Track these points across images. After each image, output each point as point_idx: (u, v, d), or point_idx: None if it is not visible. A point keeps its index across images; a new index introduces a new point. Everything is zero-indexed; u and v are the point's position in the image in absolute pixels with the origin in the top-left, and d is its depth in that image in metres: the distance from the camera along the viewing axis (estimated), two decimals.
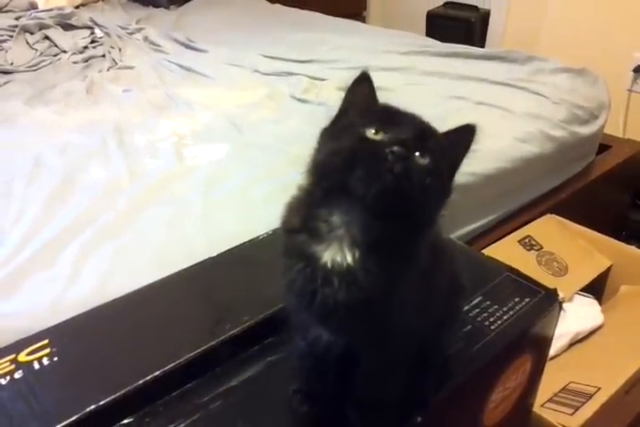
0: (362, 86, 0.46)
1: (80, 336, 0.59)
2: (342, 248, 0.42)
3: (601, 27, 2.21)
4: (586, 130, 1.48)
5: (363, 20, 3.10)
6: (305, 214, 0.44)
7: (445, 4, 2.86)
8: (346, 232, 0.42)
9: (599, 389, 0.91)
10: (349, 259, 0.41)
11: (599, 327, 1.13)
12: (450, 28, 2.66)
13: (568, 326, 1.10)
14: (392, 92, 1.37)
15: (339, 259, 0.41)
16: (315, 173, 0.43)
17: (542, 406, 0.90)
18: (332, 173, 0.41)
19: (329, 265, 0.42)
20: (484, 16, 2.69)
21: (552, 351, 1.06)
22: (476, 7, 2.72)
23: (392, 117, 0.43)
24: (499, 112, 1.40)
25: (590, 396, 0.90)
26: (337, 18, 2.27)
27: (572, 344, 1.10)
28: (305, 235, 0.43)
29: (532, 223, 1.31)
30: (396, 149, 0.40)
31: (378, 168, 0.39)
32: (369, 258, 0.42)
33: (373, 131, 0.42)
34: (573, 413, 0.87)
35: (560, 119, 1.41)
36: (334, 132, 0.44)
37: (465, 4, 2.74)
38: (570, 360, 1.04)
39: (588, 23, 2.25)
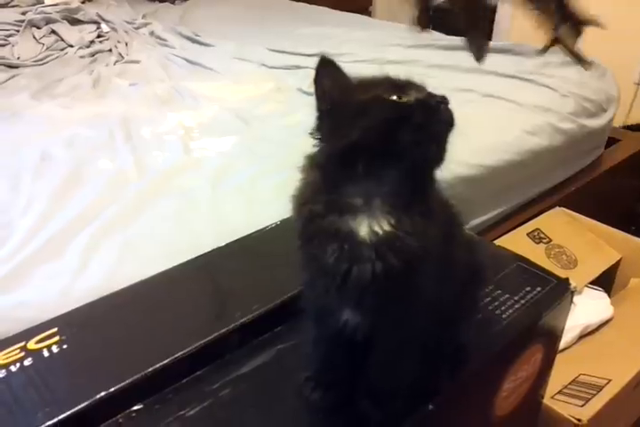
0: (329, 70, 0.45)
1: (89, 325, 0.59)
2: (379, 217, 0.42)
3: (609, 20, 2.19)
4: (594, 123, 1.46)
5: (369, 14, 3.09)
6: (326, 197, 0.44)
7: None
8: (381, 201, 0.42)
9: (609, 381, 0.90)
10: (387, 226, 0.42)
11: (609, 320, 1.13)
12: (456, 21, 2.65)
13: (577, 318, 1.09)
14: None
15: (377, 228, 0.42)
16: (344, 153, 0.43)
17: (552, 397, 0.89)
18: (375, 141, 0.42)
19: (367, 237, 0.42)
20: (492, 9, 2.68)
21: (562, 344, 1.05)
22: None
23: (395, 83, 0.44)
24: (507, 105, 1.39)
25: (601, 388, 0.89)
26: (344, 12, 2.26)
27: (581, 337, 1.09)
28: (334, 215, 0.43)
29: (541, 216, 1.30)
30: (441, 99, 0.42)
31: (438, 119, 0.42)
32: (404, 220, 0.42)
33: (395, 97, 0.42)
34: (584, 405, 0.86)
35: (569, 112, 1.40)
36: (345, 114, 0.43)
37: None
38: (580, 353, 1.04)
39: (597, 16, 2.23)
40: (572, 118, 1.40)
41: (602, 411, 0.85)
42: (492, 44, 1.93)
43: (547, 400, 0.84)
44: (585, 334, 1.10)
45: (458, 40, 1.74)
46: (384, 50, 1.74)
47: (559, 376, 0.85)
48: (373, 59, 1.65)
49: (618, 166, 1.57)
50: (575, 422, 0.83)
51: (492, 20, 2.68)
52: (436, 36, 1.89)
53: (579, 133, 1.40)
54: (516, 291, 0.66)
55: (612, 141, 1.62)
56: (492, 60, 1.90)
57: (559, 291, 0.67)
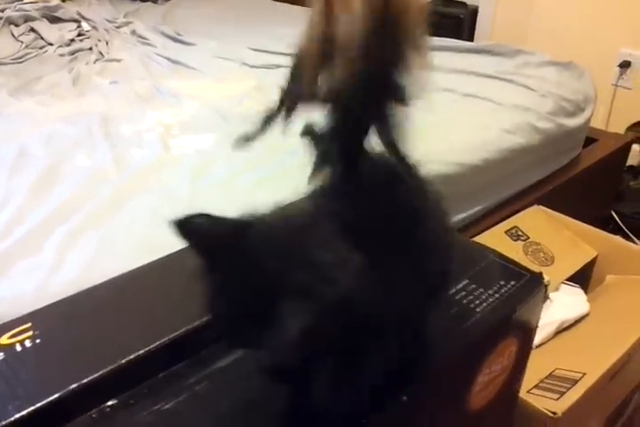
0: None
1: (63, 319, 0.58)
2: None
3: (588, 22, 2.23)
4: (572, 122, 1.49)
5: None
6: None
7: (434, 0, 2.88)
8: None
9: (584, 374, 0.92)
10: None
11: (585, 316, 1.14)
12: (439, 24, 2.66)
13: (554, 314, 1.10)
14: None
15: None
16: None
17: (528, 392, 0.90)
18: None
19: None
20: (473, 12, 2.70)
21: (538, 340, 1.06)
22: (464, 3, 2.74)
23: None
24: (487, 104, 1.41)
25: (576, 381, 0.91)
26: None
27: (558, 333, 1.11)
28: None
29: (519, 214, 1.32)
30: None
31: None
32: None
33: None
34: (559, 398, 0.87)
35: (547, 111, 1.42)
36: None
37: (453, 1, 2.75)
38: (556, 348, 1.05)
39: (576, 19, 2.27)
40: (551, 118, 1.42)
41: (576, 404, 0.86)
42: (472, 44, 1.97)
43: (522, 395, 0.85)
44: (561, 330, 1.11)
45: (441, 41, 1.78)
46: None
47: (535, 371, 0.86)
48: None
49: (595, 166, 1.60)
50: (550, 414, 0.84)
51: (474, 21, 2.71)
52: None
53: (557, 133, 1.43)
54: (490, 285, 0.67)
55: (589, 142, 1.65)
56: (471, 61, 1.93)
57: (533, 285, 0.68)
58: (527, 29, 2.47)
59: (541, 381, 0.93)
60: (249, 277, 0.36)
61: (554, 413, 0.83)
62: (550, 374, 0.95)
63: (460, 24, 2.70)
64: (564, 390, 0.89)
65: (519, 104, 1.42)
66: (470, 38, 2.65)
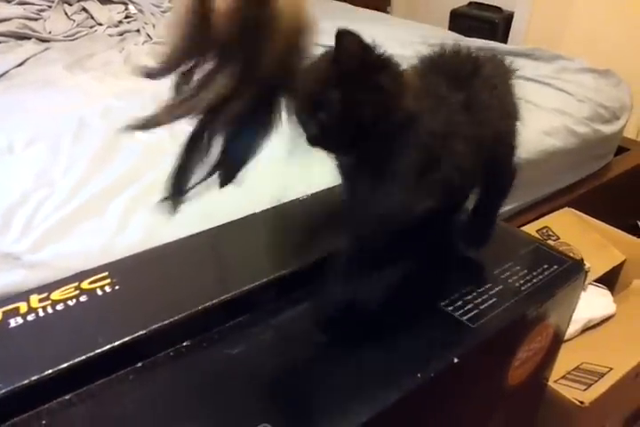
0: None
1: (137, 271, 0.62)
2: None
3: (624, 32, 2.24)
4: (608, 129, 1.51)
5: (387, 13, 3.13)
6: None
7: (470, 3, 2.89)
8: None
9: (611, 369, 0.94)
10: None
11: (611, 316, 1.17)
12: (473, 28, 2.69)
13: (581, 312, 1.12)
14: None
15: None
16: None
17: (556, 382, 0.93)
18: None
19: None
20: (508, 17, 2.72)
21: (566, 335, 1.09)
22: (499, 8, 2.76)
23: None
24: (526, 106, 1.41)
25: (602, 375, 0.93)
26: (366, 9, 2.30)
27: (584, 331, 1.13)
28: None
29: (551, 215, 1.35)
30: None
31: None
32: None
33: None
34: (586, 389, 0.90)
35: (584, 116, 1.45)
36: None
37: (489, 5, 2.78)
38: (583, 344, 1.07)
39: (612, 29, 2.28)
40: (587, 123, 1.44)
41: (603, 395, 0.89)
42: (513, 47, 1.98)
43: (551, 384, 0.88)
44: (587, 328, 1.14)
45: (479, 42, 1.80)
46: (405, 48, 1.77)
47: (562, 364, 0.89)
48: (395, 55, 1.69)
49: (626, 173, 1.62)
50: (578, 404, 0.87)
51: (508, 27, 2.72)
52: (455, 37, 1.93)
53: (592, 138, 1.45)
54: (534, 268, 0.70)
55: (620, 150, 1.67)
56: (514, 64, 1.92)
57: (574, 270, 0.71)
58: (562, 36, 2.48)
59: (569, 372, 0.96)
60: None
61: (582, 402, 0.86)
62: (577, 367, 0.97)
63: (494, 29, 2.72)
64: (591, 382, 0.92)
65: (557, 107, 1.44)
66: (504, 43, 2.66)
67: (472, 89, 0.56)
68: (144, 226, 0.84)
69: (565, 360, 0.92)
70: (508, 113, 0.63)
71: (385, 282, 0.60)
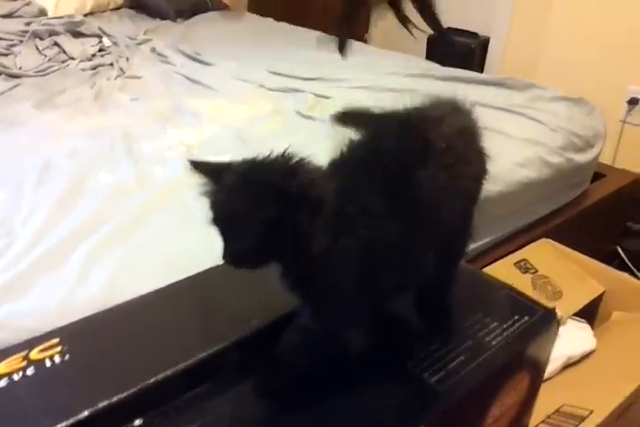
0: None
1: (90, 336, 0.59)
2: None
3: (598, 59, 2.28)
4: (582, 157, 1.51)
5: (364, 42, 3.16)
6: None
7: (446, 28, 2.93)
8: None
9: (592, 412, 0.92)
10: None
11: (591, 352, 1.15)
12: (449, 54, 2.72)
13: (561, 349, 1.11)
14: None
15: None
16: None
17: None
18: None
19: None
20: (484, 43, 2.75)
21: (545, 374, 1.07)
22: (476, 34, 2.79)
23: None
24: (498, 137, 1.43)
25: (583, 418, 0.91)
26: None
27: (564, 368, 1.11)
28: None
29: (528, 247, 1.34)
30: None
31: None
32: None
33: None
34: None
35: (557, 146, 1.45)
36: None
37: (465, 31, 2.80)
38: (563, 383, 1.05)
39: (586, 55, 2.32)
40: (560, 152, 1.44)
41: None
42: (484, 76, 1.99)
43: None
44: (568, 365, 1.12)
45: (455, 71, 1.81)
46: (381, 77, 1.78)
47: (542, 406, 0.86)
48: (370, 86, 1.70)
49: (603, 201, 1.62)
50: None
51: (485, 52, 2.76)
52: (432, 66, 1.95)
53: (566, 167, 1.45)
54: (505, 319, 0.68)
55: (597, 176, 1.67)
56: (484, 93, 1.96)
57: (546, 320, 0.69)
58: (537, 62, 2.51)
59: (548, 416, 0.93)
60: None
61: None
62: (557, 410, 0.95)
63: (471, 54, 2.75)
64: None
65: (530, 138, 1.44)
66: (480, 68, 2.69)
67: (413, 190, 0.52)
68: (105, 277, 0.82)
69: (545, 402, 0.90)
70: (461, 203, 0.61)
71: (348, 344, 0.58)
